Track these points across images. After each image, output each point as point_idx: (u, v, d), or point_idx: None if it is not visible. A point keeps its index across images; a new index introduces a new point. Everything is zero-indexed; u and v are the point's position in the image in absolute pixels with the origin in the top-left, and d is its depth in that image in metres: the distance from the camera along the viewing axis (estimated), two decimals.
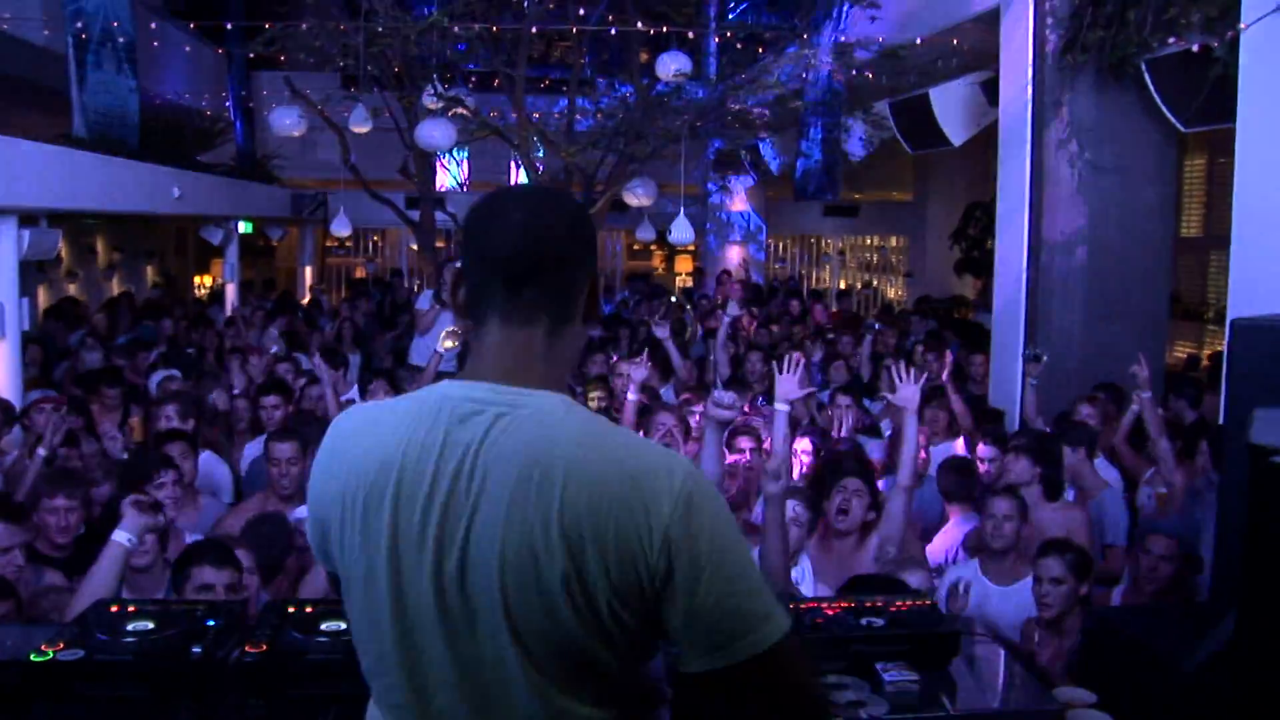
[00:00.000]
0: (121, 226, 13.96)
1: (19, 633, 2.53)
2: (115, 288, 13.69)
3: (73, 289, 12.84)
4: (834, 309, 12.28)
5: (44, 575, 3.64)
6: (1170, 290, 7.24)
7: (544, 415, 1.39)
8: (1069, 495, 4.85)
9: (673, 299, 12.37)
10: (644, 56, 10.44)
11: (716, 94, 10.34)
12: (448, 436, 1.39)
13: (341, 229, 11.80)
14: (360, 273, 17.55)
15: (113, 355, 7.53)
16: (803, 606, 2.71)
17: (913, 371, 4.21)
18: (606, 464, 1.34)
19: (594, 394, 5.98)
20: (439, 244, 13.79)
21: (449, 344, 6.71)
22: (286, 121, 9.06)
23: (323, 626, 2.43)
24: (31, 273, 8.85)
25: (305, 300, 13.15)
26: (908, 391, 4.10)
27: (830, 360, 7.39)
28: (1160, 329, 6.84)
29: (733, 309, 7.32)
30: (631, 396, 5.32)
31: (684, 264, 18.93)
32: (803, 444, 5.14)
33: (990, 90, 7.88)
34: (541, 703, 1.37)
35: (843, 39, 9.35)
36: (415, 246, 15.44)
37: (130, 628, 2.39)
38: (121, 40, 8.93)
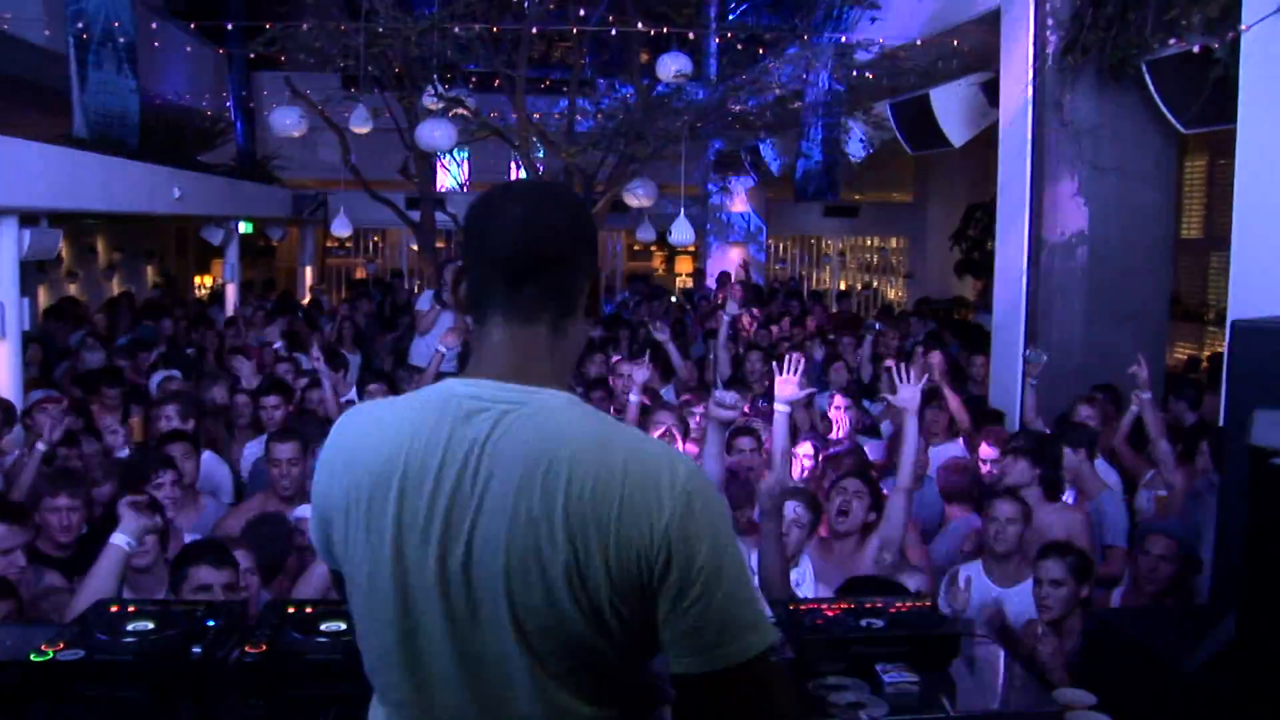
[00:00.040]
0: (122, 226, 13.97)
1: (19, 633, 2.53)
2: (115, 288, 13.69)
3: (73, 289, 12.85)
4: (834, 310, 12.28)
5: (44, 577, 3.64)
6: (1170, 291, 7.24)
7: (549, 412, 1.39)
8: (1069, 496, 4.85)
9: (673, 299, 12.38)
10: (644, 57, 10.44)
11: (717, 95, 10.35)
12: (453, 433, 1.39)
13: (342, 229, 11.81)
14: (360, 273, 17.55)
15: (114, 356, 7.53)
16: (803, 608, 2.71)
17: (913, 373, 4.21)
18: (611, 460, 1.34)
19: (594, 394, 5.98)
20: (439, 244, 13.79)
21: (450, 340, 6.72)
22: (287, 122, 9.06)
23: (323, 627, 2.43)
24: (32, 273, 8.85)
25: (305, 300, 13.15)
26: (908, 393, 4.10)
27: (831, 361, 7.39)
28: (1160, 330, 6.84)
29: (732, 307, 7.32)
30: (634, 398, 5.33)
31: (684, 265, 18.93)
32: (804, 448, 5.15)
33: (991, 91, 7.88)
34: (544, 700, 1.38)
35: (843, 40, 9.35)
36: (415, 247, 15.45)
37: (130, 628, 2.39)
38: (122, 40, 8.93)
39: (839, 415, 5.76)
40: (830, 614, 2.66)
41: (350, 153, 11.43)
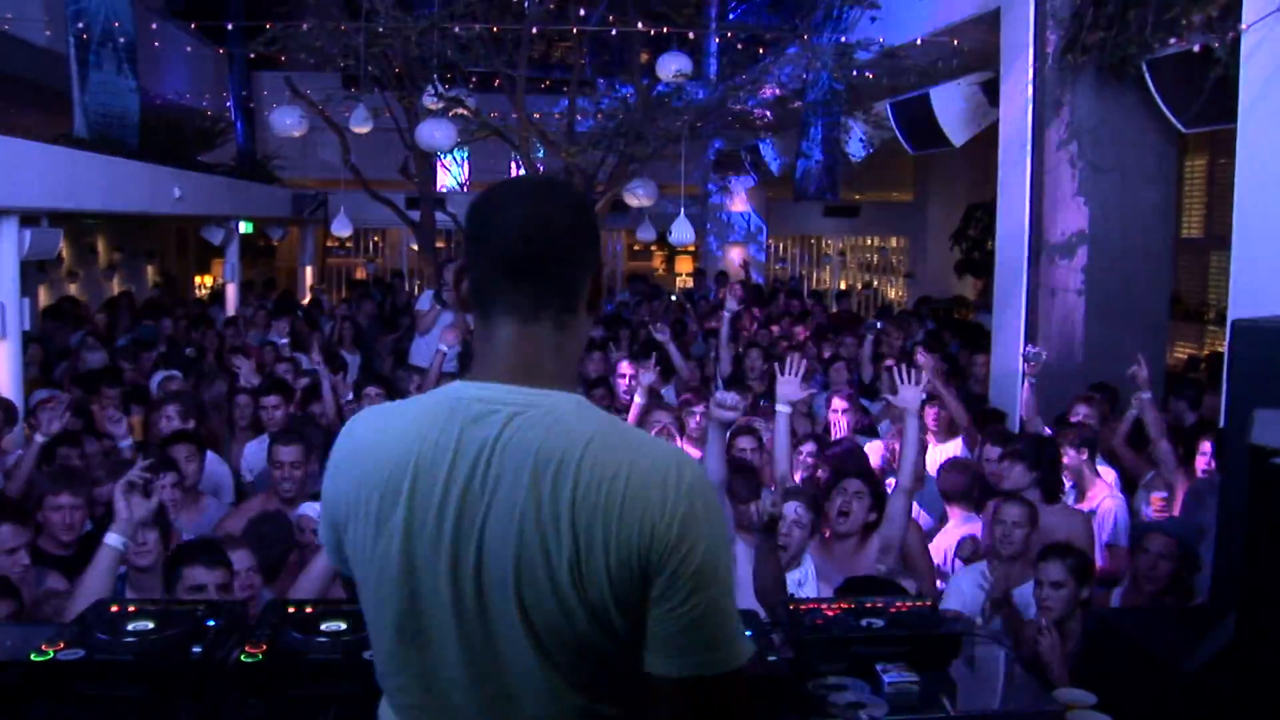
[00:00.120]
0: (122, 226, 13.97)
1: (19, 633, 2.53)
2: (116, 287, 13.69)
3: (73, 289, 12.85)
4: (834, 309, 12.27)
5: (46, 579, 3.64)
6: (1171, 291, 7.24)
7: (558, 415, 1.40)
8: (1070, 497, 4.86)
9: (673, 298, 12.38)
10: (644, 57, 10.44)
11: (717, 94, 10.34)
12: (462, 436, 1.39)
13: (342, 229, 11.81)
14: (360, 273, 17.55)
15: (117, 357, 7.53)
16: (803, 607, 2.71)
17: (914, 373, 4.21)
18: (617, 460, 1.35)
19: (594, 393, 5.98)
20: (439, 244, 13.79)
21: (450, 339, 6.72)
22: (287, 121, 9.06)
23: (323, 627, 2.43)
24: (32, 272, 8.85)
25: (306, 300, 13.15)
26: (909, 394, 4.10)
27: (831, 361, 7.39)
28: (1161, 330, 6.84)
29: (731, 304, 7.32)
30: (638, 399, 5.34)
31: (684, 264, 18.93)
32: (807, 445, 5.15)
33: (991, 91, 7.88)
34: (555, 700, 1.38)
35: (843, 39, 9.35)
36: (415, 247, 15.45)
37: (130, 627, 2.39)
38: (122, 40, 8.93)
39: (837, 418, 5.76)
40: (830, 614, 2.66)
41: (350, 152, 11.43)
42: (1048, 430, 5.36)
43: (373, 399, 5.71)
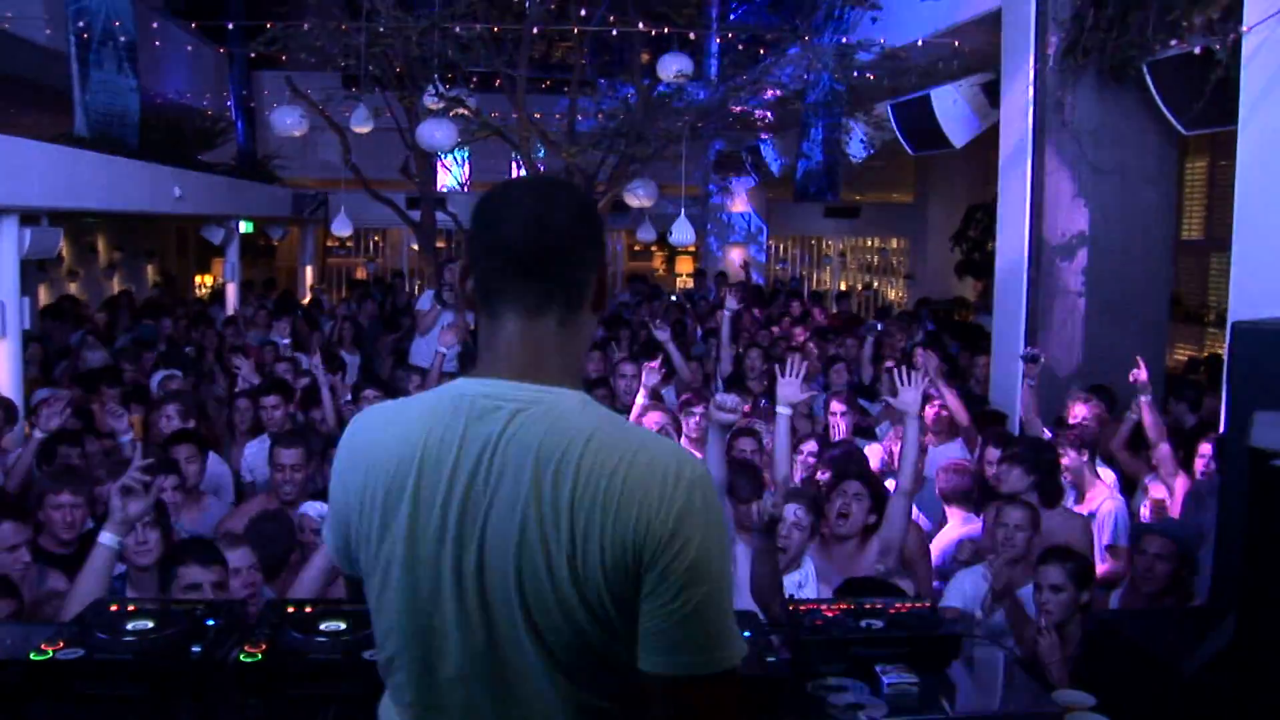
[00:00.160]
0: (122, 226, 13.97)
1: (19, 632, 2.53)
2: (116, 287, 13.70)
3: (73, 288, 12.85)
4: (834, 310, 12.28)
5: (47, 578, 3.64)
6: (1171, 293, 7.24)
7: (561, 412, 1.40)
8: (1070, 498, 4.86)
9: (672, 298, 12.38)
10: (645, 57, 10.44)
11: (718, 95, 10.34)
12: (466, 432, 1.40)
13: (342, 229, 11.81)
14: (361, 273, 17.55)
15: (118, 358, 7.52)
16: (802, 608, 2.71)
17: (914, 376, 4.21)
18: (618, 456, 1.35)
19: (595, 393, 5.98)
20: (440, 244, 13.78)
21: (448, 340, 6.72)
22: (288, 121, 9.06)
23: (322, 627, 2.43)
24: (32, 272, 8.85)
25: (306, 300, 13.15)
26: (909, 396, 4.10)
27: (832, 363, 7.39)
28: (1161, 331, 6.84)
29: (731, 304, 7.33)
30: (641, 400, 5.35)
31: (684, 265, 18.93)
32: (809, 445, 5.15)
33: (992, 92, 7.88)
34: (558, 698, 1.38)
35: (844, 40, 9.35)
36: (416, 247, 15.45)
37: (130, 627, 2.39)
38: (123, 39, 8.93)
39: (836, 420, 5.76)
40: (830, 614, 2.66)
41: (351, 152, 11.43)
42: (1047, 432, 5.36)
43: (371, 401, 5.71)
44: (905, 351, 7.54)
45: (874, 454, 5.61)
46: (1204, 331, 9.52)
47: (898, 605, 2.73)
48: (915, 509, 4.41)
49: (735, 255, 16.09)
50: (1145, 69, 5.94)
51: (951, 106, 8.41)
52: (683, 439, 5.20)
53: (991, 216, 8.11)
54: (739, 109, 10.35)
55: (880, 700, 2.42)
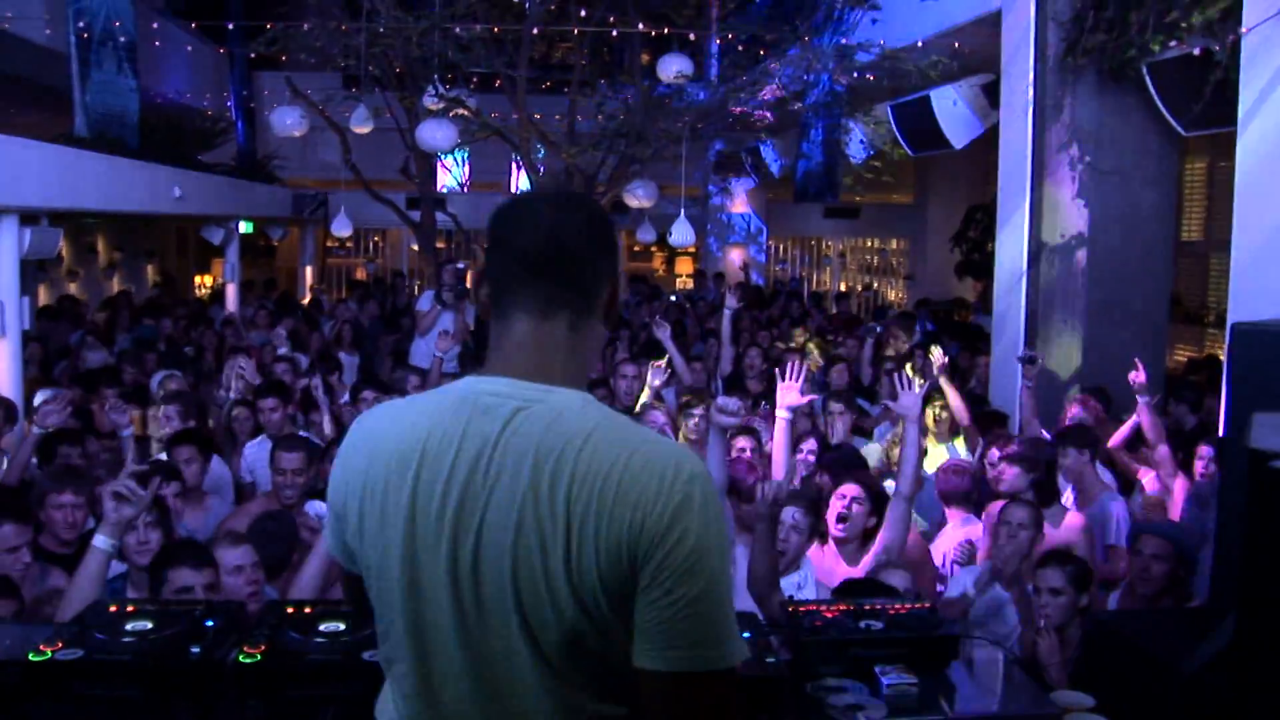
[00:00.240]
0: (122, 226, 13.97)
1: (18, 632, 2.53)
2: (116, 287, 13.69)
3: (73, 288, 12.85)
4: (833, 311, 12.28)
5: (49, 577, 3.64)
6: (1170, 294, 7.24)
7: (561, 410, 1.41)
8: (1071, 498, 4.86)
9: (671, 298, 12.38)
10: (645, 58, 10.44)
11: (718, 96, 10.34)
12: (468, 428, 1.42)
13: (342, 229, 11.81)
14: (360, 273, 17.56)
15: (121, 360, 7.50)
16: (802, 609, 2.71)
17: (914, 380, 4.21)
18: (614, 457, 1.36)
19: (595, 393, 5.98)
20: (439, 244, 13.78)
21: (443, 345, 6.73)
22: (288, 121, 9.06)
23: (321, 628, 2.43)
24: (32, 272, 8.85)
25: (306, 300, 13.15)
26: (909, 400, 4.10)
27: (832, 363, 7.39)
28: (1160, 332, 6.84)
29: (731, 302, 7.33)
30: (645, 399, 5.35)
31: (684, 266, 18.94)
32: (807, 444, 5.15)
33: (991, 93, 7.88)
34: (551, 697, 1.39)
35: (844, 41, 9.35)
36: (416, 247, 15.45)
37: (129, 627, 2.39)
38: (123, 40, 8.94)
39: (834, 419, 5.76)
40: (829, 615, 2.66)
41: (350, 152, 11.43)
42: (1046, 434, 5.36)
43: (369, 402, 5.71)
44: (907, 353, 7.53)
45: (872, 454, 5.61)
46: (1204, 332, 9.52)
47: (897, 606, 2.73)
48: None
49: (735, 256, 16.09)
50: (1145, 70, 5.94)
51: (951, 107, 8.41)
52: (680, 439, 5.20)
53: (991, 217, 8.12)
54: (739, 110, 10.34)
55: (880, 701, 2.42)
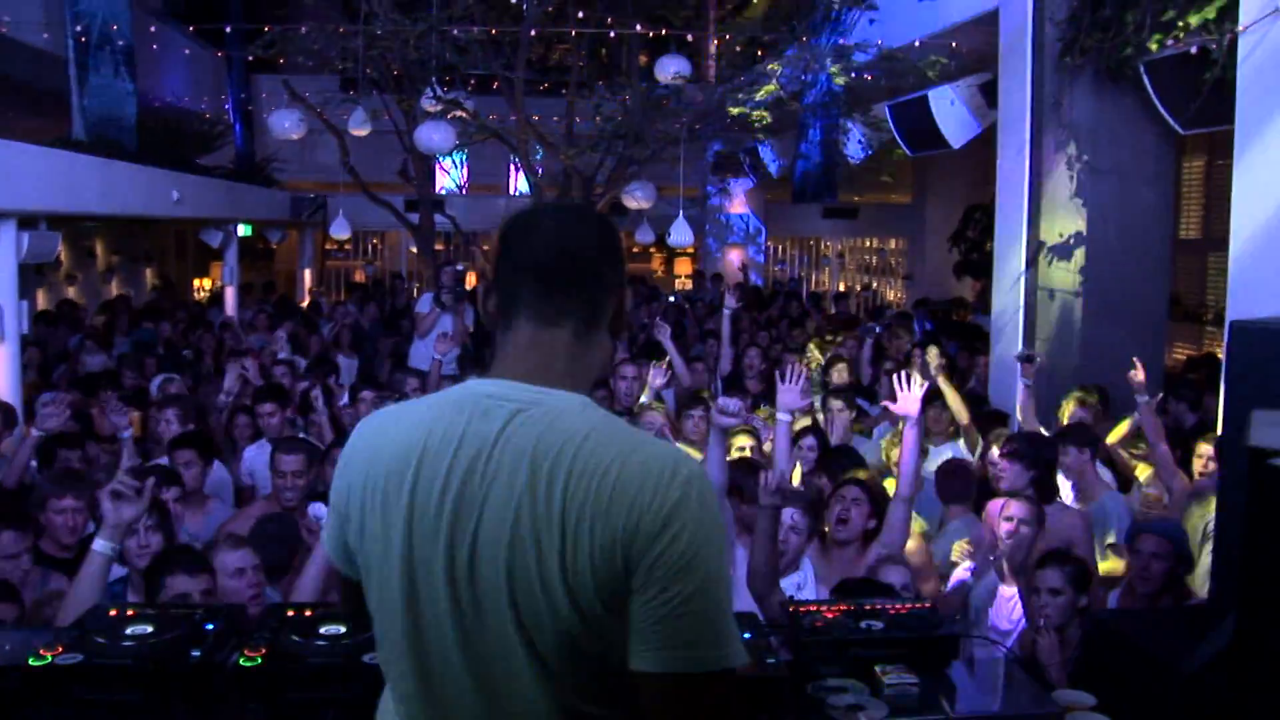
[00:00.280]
0: (121, 229, 13.95)
1: (18, 637, 2.53)
2: (114, 290, 13.68)
3: (72, 292, 12.83)
4: (831, 311, 12.27)
5: (50, 579, 3.64)
6: (1169, 292, 7.25)
7: (560, 412, 1.42)
8: (1072, 496, 4.86)
9: (670, 300, 12.37)
10: (643, 59, 10.44)
11: (716, 97, 10.34)
12: (467, 429, 1.43)
13: (341, 232, 11.80)
14: (359, 276, 17.55)
15: (121, 365, 7.49)
16: (802, 610, 2.71)
17: (913, 381, 4.21)
18: (610, 460, 1.36)
19: (595, 394, 5.98)
20: (438, 247, 13.77)
21: (442, 348, 6.73)
22: (286, 124, 9.07)
23: (322, 630, 2.43)
24: (31, 276, 8.85)
25: (304, 303, 13.15)
26: (908, 403, 4.10)
27: (832, 363, 7.39)
28: (1159, 331, 6.84)
29: (730, 302, 7.34)
30: (646, 399, 5.36)
31: (683, 266, 18.94)
32: (806, 440, 5.15)
33: (989, 92, 7.88)
34: (548, 699, 1.38)
35: (841, 41, 9.35)
36: (415, 249, 15.44)
37: (129, 631, 2.39)
38: (121, 43, 8.93)
39: (833, 418, 5.76)
40: (830, 615, 2.66)
41: (349, 155, 11.42)
42: (1044, 432, 5.36)
43: (368, 402, 5.71)
44: (906, 356, 7.54)
45: (871, 453, 5.61)
46: (1202, 330, 9.52)
47: (898, 606, 2.73)
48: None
49: (734, 256, 16.09)
50: (1142, 69, 5.94)
51: (949, 107, 8.41)
52: (678, 441, 5.20)
53: (990, 217, 8.12)
54: (736, 111, 10.33)
55: (880, 701, 2.42)
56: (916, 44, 8.48)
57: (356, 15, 9.11)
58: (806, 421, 5.77)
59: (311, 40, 9.69)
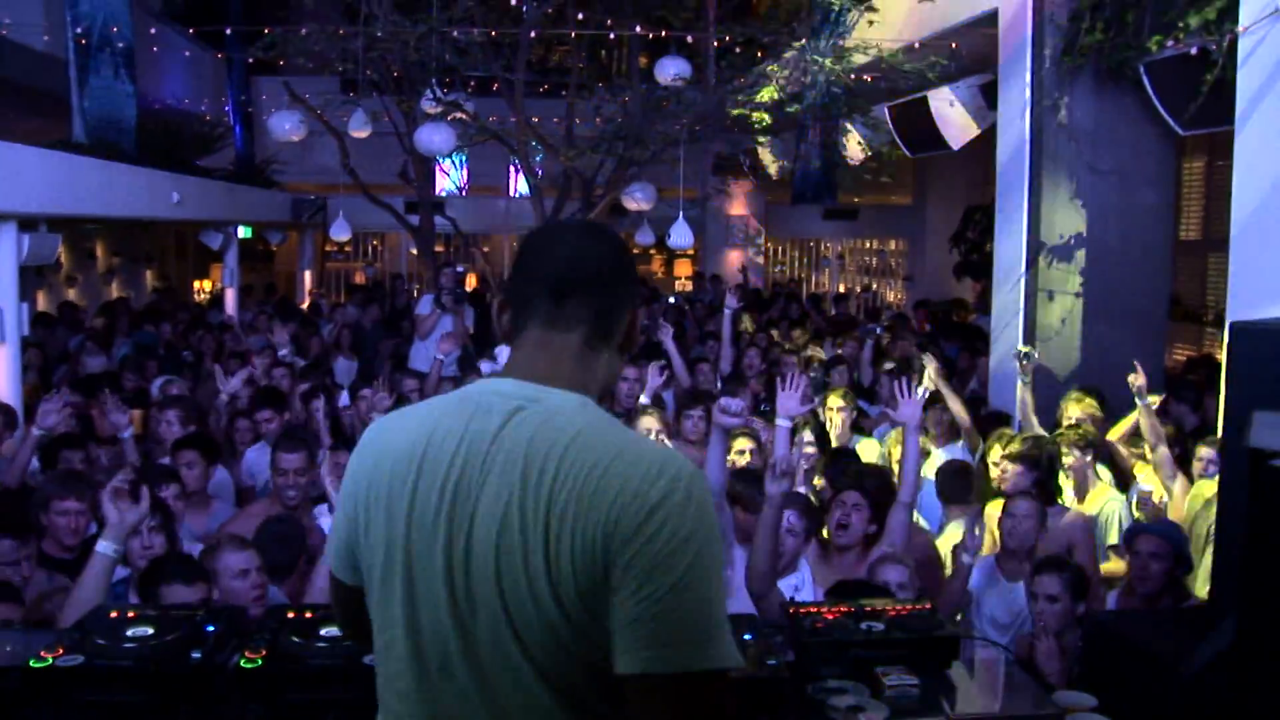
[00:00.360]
0: (121, 231, 13.96)
1: (19, 638, 2.53)
2: (115, 292, 13.68)
3: (72, 294, 12.83)
4: (831, 312, 12.28)
5: (55, 576, 3.64)
6: (1169, 293, 7.25)
7: (557, 410, 1.43)
8: (1073, 498, 4.86)
9: (670, 301, 12.38)
10: (643, 61, 10.44)
11: (715, 98, 10.33)
12: (469, 426, 1.45)
13: (341, 233, 11.79)
14: (360, 277, 17.56)
15: (123, 368, 7.48)
16: (802, 611, 2.71)
17: (913, 387, 4.21)
18: (599, 456, 1.37)
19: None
20: (438, 248, 13.77)
21: (446, 347, 6.72)
22: (286, 126, 9.06)
23: (322, 632, 2.43)
24: (31, 277, 8.85)
25: (304, 304, 13.14)
26: (908, 409, 4.10)
27: (833, 364, 7.39)
28: (1159, 331, 6.84)
29: (731, 302, 7.34)
30: (645, 400, 5.36)
31: (683, 268, 18.94)
32: (805, 436, 5.15)
33: (989, 94, 7.88)
34: (541, 695, 1.38)
35: (841, 43, 9.35)
36: (415, 251, 15.44)
37: (130, 633, 2.39)
38: (121, 45, 8.94)
39: (833, 416, 5.76)
40: (830, 617, 2.66)
41: (349, 157, 11.42)
42: (1044, 433, 5.36)
43: (368, 399, 5.69)
44: (908, 359, 7.54)
45: (870, 452, 5.62)
46: (1202, 331, 9.52)
47: (898, 607, 2.73)
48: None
49: (734, 258, 16.09)
50: (1142, 70, 5.95)
51: (949, 108, 8.42)
52: (677, 441, 5.20)
53: (990, 218, 8.13)
54: (736, 112, 10.33)
55: (881, 702, 2.42)
56: (916, 45, 8.48)
57: (356, 17, 9.10)
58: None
59: (312, 42, 9.67)
